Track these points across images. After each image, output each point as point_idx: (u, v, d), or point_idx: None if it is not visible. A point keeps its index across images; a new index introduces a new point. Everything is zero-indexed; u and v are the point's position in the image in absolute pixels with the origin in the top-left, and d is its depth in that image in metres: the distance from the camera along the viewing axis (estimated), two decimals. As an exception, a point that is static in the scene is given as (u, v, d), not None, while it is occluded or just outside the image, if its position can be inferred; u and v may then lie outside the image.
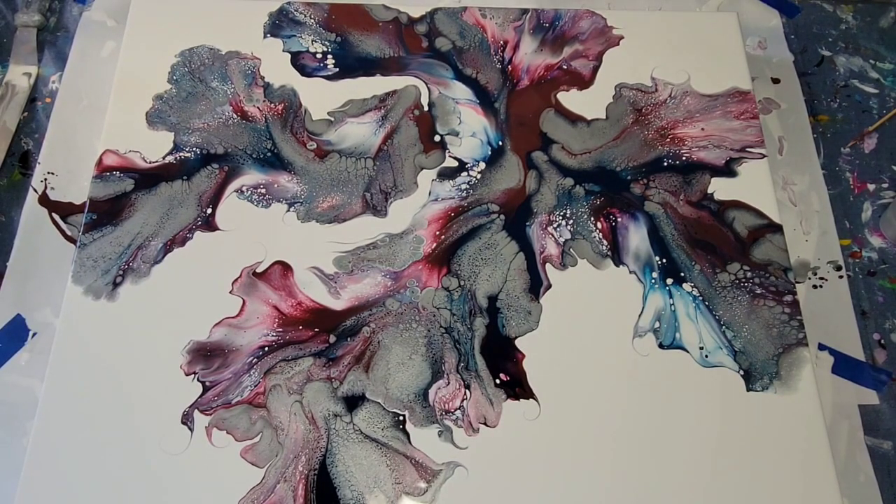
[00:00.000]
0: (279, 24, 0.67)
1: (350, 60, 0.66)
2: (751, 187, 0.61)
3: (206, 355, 0.52)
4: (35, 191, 0.60)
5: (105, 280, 0.55)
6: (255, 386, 0.51)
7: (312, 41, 0.66)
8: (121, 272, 0.55)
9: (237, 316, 0.54)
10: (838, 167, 0.65)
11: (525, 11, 0.69)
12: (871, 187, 0.64)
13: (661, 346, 0.54)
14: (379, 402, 0.51)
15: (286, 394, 0.51)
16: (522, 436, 0.51)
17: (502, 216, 0.59)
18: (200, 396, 0.51)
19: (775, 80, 0.69)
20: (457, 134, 0.63)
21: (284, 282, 0.55)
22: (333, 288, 0.55)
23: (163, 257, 0.56)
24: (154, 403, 0.50)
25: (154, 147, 0.60)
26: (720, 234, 0.59)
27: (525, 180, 0.61)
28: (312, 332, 0.53)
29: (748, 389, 0.53)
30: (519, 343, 0.54)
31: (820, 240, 0.61)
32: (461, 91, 0.65)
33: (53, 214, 0.59)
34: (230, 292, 0.55)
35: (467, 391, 0.52)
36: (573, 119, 0.64)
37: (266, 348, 0.53)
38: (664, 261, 0.57)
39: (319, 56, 0.66)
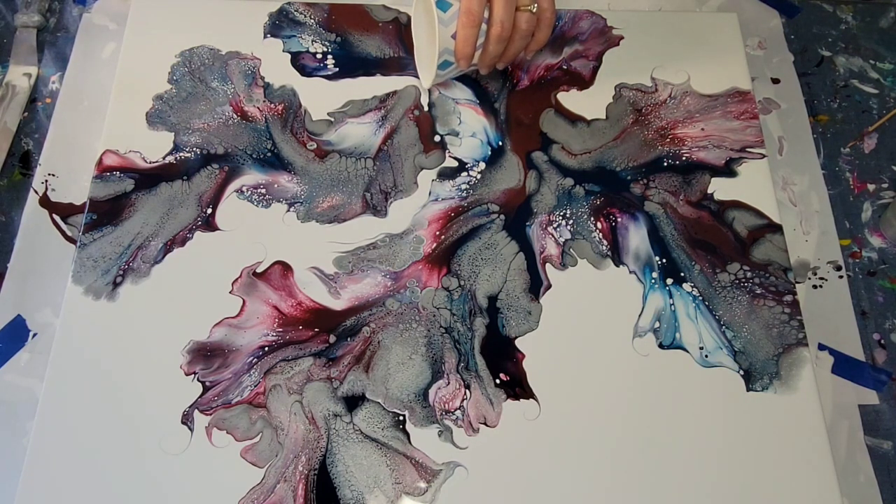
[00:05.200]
0: (279, 25, 0.67)
1: (350, 60, 0.66)
2: (751, 187, 0.61)
3: (206, 355, 0.52)
4: (36, 192, 0.60)
5: (105, 280, 0.55)
6: (255, 386, 0.51)
7: (312, 41, 0.66)
8: (121, 272, 0.55)
9: (237, 316, 0.54)
10: (838, 167, 0.65)
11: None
12: (871, 187, 0.64)
13: (661, 346, 0.54)
14: (379, 402, 0.51)
15: (286, 394, 0.51)
16: (522, 436, 0.50)
17: (502, 216, 0.59)
18: (200, 396, 0.51)
19: (775, 80, 0.69)
20: (457, 134, 0.63)
21: (284, 282, 0.55)
22: (333, 288, 0.55)
23: (163, 257, 0.56)
24: (154, 403, 0.50)
25: (154, 147, 0.60)
26: (720, 234, 0.59)
27: (525, 180, 0.61)
28: (312, 332, 0.53)
29: (748, 389, 0.53)
30: (519, 343, 0.54)
31: (820, 240, 0.61)
32: (461, 91, 0.65)
33: (54, 215, 0.59)
34: (230, 292, 0.55)
35: (467, 391, 0.52)
36: (573, 119, 0.64)
37: (266, 348, 0.53)
38: (664, 261, 0.57)
39: (319, 56, 0.66)
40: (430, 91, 0.64)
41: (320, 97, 0.63)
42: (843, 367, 0.56)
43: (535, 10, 0.56)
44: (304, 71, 0.65)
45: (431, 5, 0.56)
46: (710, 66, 0.66)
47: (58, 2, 0.70)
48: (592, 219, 0.59)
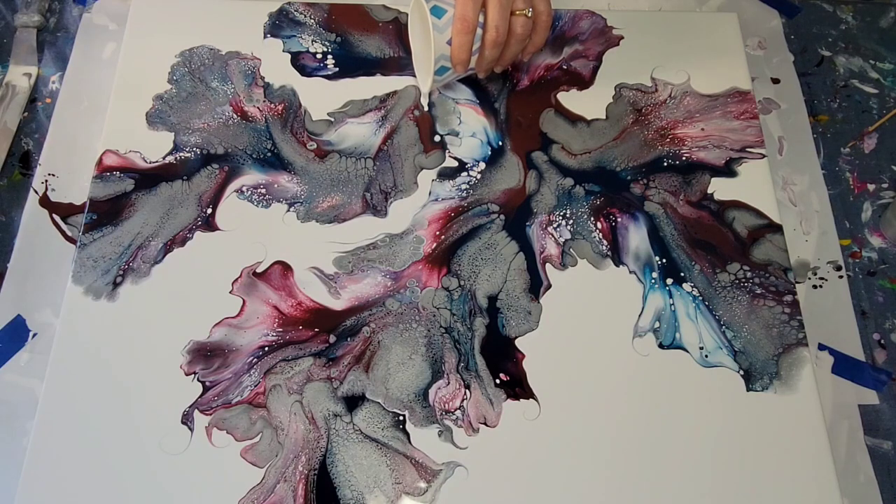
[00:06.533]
0: (279, 25, 0.67)
1: (350, 60, 0.66)
2: (751, 187, 0.61)
3: (206, 355, 0.52)
4: (36, 192, 0.60)
5: (105, 280, 0.55)
6: (255, 386, 0.51)
7: (312, 41, 0.66)
8: (121, 272, 0.55)
9: (237, 316, 0.54)
10: (838, 167, 0.65)
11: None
12: (871, 187, 0.64)
13: (661, 346, 0.54)
14: (379, 402, 0.51)
15: (286, 394, 0.51)
16: (522, 436, 0.50)
17: (502, 216, 0.59)
18: (200, 396, 0.51)
19: (775, 80, 0.69)
20: (457, 134, 0.63)
21: (284, 282, 0.55)
22: (333, 288, 0.55)
23: (163, 257, 0.56)
24: (154, 403, 0.50)
25: (154, 147, 0.60)
26: (720, 234, 0.59)
27: (525, 180, 0.61)
28: (312, 332, 0.53)
29: (748, 389, 0.53)
30: (519, 343, 0.54)
31: (820, 240, 0.61)
32: (461, 91, 0.65)
33: (54, 215, 0.59)
34: (230, 292, 0.55)
35: (467, 391, 0.52)
36: (573, 119, 0.64)
37: (266, 348, 0.53)
38: (664, 261, 0.57)
39: (319, 56, 0.66)
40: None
41: (320, 97, 0.63)
42: (843, 367, 0.56)
43: (530, 14, 0.56)
44: (304, 71, 0.65)
45: (426, 12, 0.55)
46: (710, 66, 0.66)
47: (58, 2, 0.70)
48: (592, 219, 0.59)
